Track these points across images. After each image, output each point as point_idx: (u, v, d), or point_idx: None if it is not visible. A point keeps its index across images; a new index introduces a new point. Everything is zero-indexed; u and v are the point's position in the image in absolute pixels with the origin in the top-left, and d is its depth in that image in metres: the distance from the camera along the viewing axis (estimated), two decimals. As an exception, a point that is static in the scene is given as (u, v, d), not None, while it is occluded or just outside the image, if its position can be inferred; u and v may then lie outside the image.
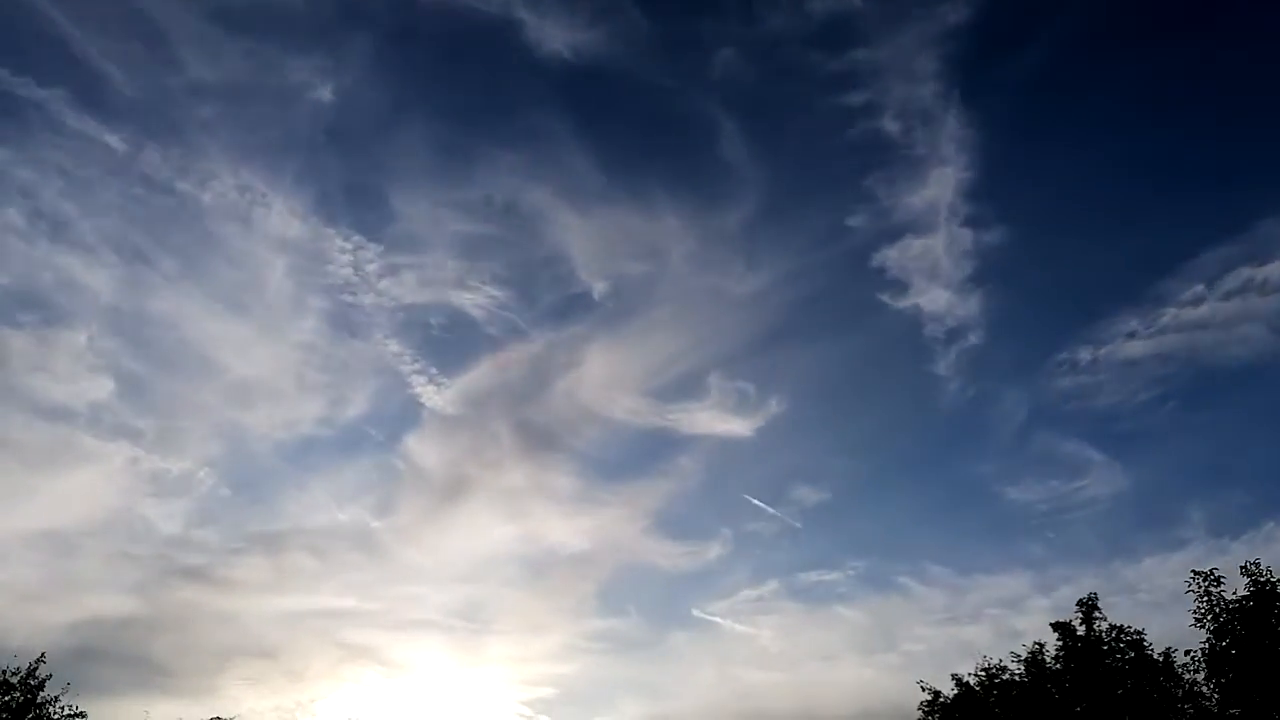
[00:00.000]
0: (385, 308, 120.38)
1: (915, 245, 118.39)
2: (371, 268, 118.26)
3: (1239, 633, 29.18)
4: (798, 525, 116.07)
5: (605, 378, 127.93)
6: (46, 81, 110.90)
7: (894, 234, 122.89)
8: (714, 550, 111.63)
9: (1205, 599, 30.16)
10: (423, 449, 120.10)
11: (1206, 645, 30.23)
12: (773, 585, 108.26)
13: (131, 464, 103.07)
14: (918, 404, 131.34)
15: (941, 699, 40.05)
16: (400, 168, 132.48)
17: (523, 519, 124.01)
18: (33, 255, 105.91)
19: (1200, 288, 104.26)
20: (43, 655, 30.43)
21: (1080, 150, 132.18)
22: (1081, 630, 34.64)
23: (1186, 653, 31.26)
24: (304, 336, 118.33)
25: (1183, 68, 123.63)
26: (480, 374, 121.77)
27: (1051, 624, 35.62)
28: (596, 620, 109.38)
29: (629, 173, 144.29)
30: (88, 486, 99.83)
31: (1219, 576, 30.17)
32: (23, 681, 29.98)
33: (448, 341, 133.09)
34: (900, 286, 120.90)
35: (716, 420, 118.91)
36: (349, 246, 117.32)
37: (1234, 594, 29.71)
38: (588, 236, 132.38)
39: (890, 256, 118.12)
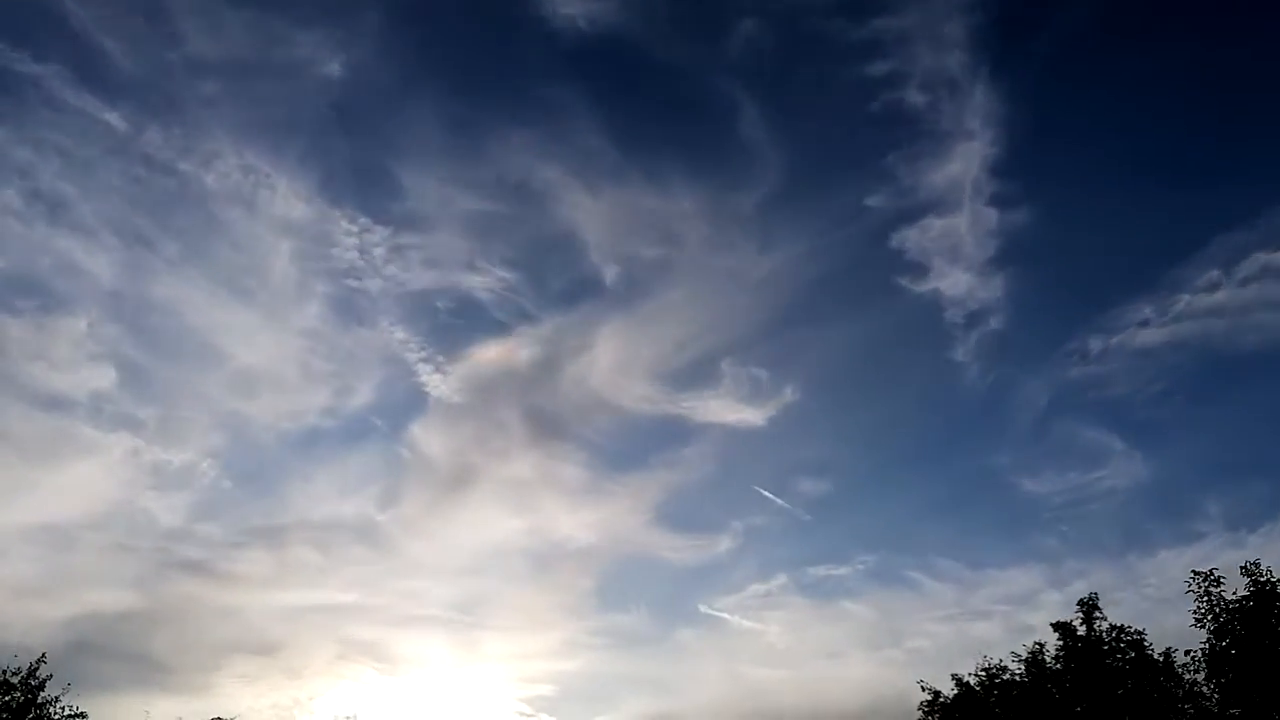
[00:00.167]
0: (392, 293, 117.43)
1: (936, 226, 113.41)
2: (378, 251, 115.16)
3: (1239, 633, 29.16)
4: (807, 518, 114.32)
5: (616, 364, 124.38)
6: (44, 56, 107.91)
7: (914, 214, 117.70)
8: (723, 544, 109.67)
9: (1205, 599, 30.16)
10: (428, 439, 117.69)
11: (1206, 645, 30.23)
12: (781, 580, 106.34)
13: (132, 455, 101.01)
14: (935, 391, 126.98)
15: (941, 699, 40.03)
16: (409, 145, 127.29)
17: (529, 511, 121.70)
18: (31, 238, 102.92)
19: (1216, 273, 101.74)
20: (43, 656, 30.50)
21: (1107, 127, 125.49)
22: (1082, 630, 34.62)
23: (1186, 653, 31.30)
24: (309, 323, 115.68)
25: (1211, 49, 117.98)
26: (488, 360, 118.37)
27: (1052, 624, 35.66)
28: (602, 615, 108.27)
29: (643, 150, 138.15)
30: (88, 479, 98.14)
31: (1219, 577, 30.19)
32: (23, 681, 29.99)
33: (455, 327, 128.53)
34: (919, 269, 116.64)
35: (728, 409, 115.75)
36: (355, 229, 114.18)
37: (1234, 594, 29.72)
38: (600, 217, 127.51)
39: (910, 238, 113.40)
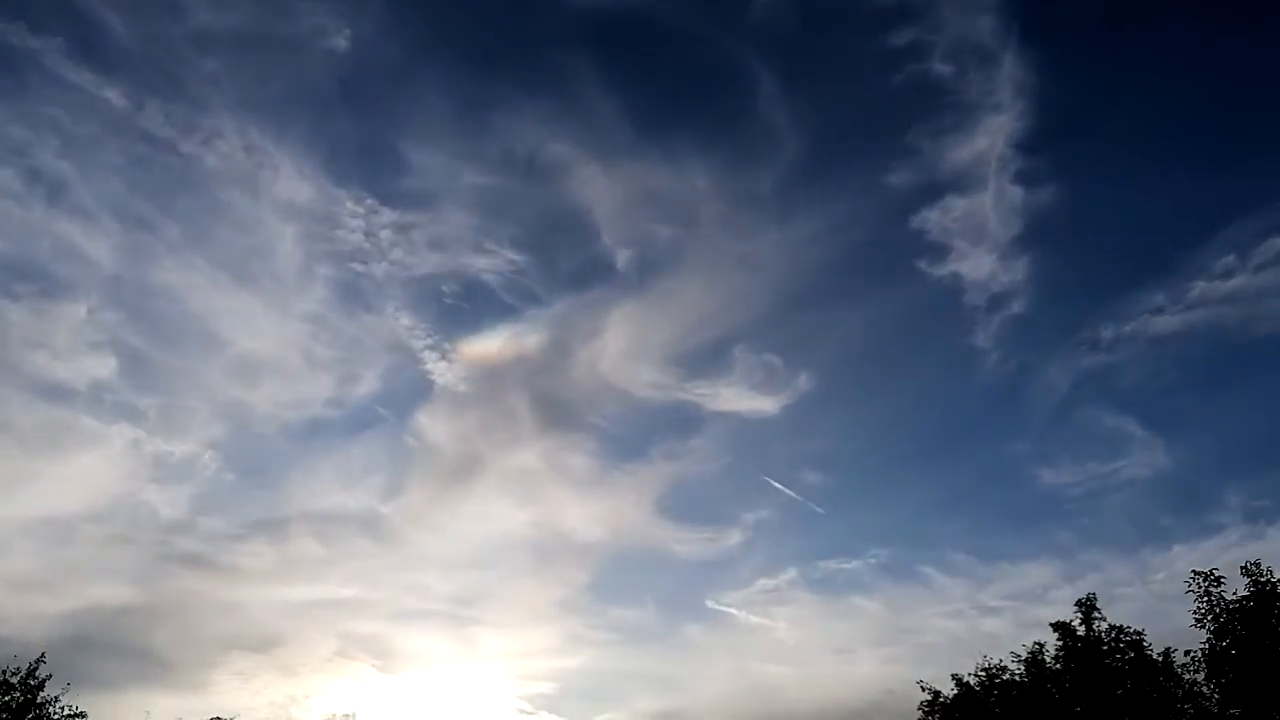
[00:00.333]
0: (398, 278, 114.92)
1: (959, 205, 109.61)
2: (385, 234, 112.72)
3: (1239, 633, 29.18)
4: (819, 510, 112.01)
5: (626, 349, 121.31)
6: (41, 29, 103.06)
7: (936, 192, 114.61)
8: (732, 537, 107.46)
9: (1205, 599, 30.17)
10: (434, 429, 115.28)
11: (1206, 645, 30.24)
12: (790, 574, 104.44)
13: (133, 447, 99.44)
14: (953, 379, 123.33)
15: (941, 699, 40.06)
16: (416, 121, 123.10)
17: (535, 502, 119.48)
18: (29, 220, 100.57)
19: (1231, 258, 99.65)
20: (42, 655, 30.39)
21: (1137, 100, 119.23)
22: (1081, 630, 34.65)
23: (1186, 653, 31.32)
24: (313, 309, 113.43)
25: (1241, 32, 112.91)
26: (495, 346, 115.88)
27: (1051, 624, 35.70)
28: (607, 610, 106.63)
29: (658, 124, 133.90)
30: (88, 471, 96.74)
31: (1219, 577, 30.22)
32: (23, 681, 29.90)
33: (462, 311, 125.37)
34: (940, 251, 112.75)
35: (741, 397, 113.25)
36: (361, 211, 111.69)
37: (1234, 594, 29.75)
38: (612, 196, 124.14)
39: (930, 218, 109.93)
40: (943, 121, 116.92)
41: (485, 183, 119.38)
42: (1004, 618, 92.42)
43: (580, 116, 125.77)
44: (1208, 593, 30.17)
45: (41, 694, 30.11)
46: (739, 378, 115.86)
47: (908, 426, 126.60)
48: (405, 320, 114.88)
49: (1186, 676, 31.77)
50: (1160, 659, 32.81)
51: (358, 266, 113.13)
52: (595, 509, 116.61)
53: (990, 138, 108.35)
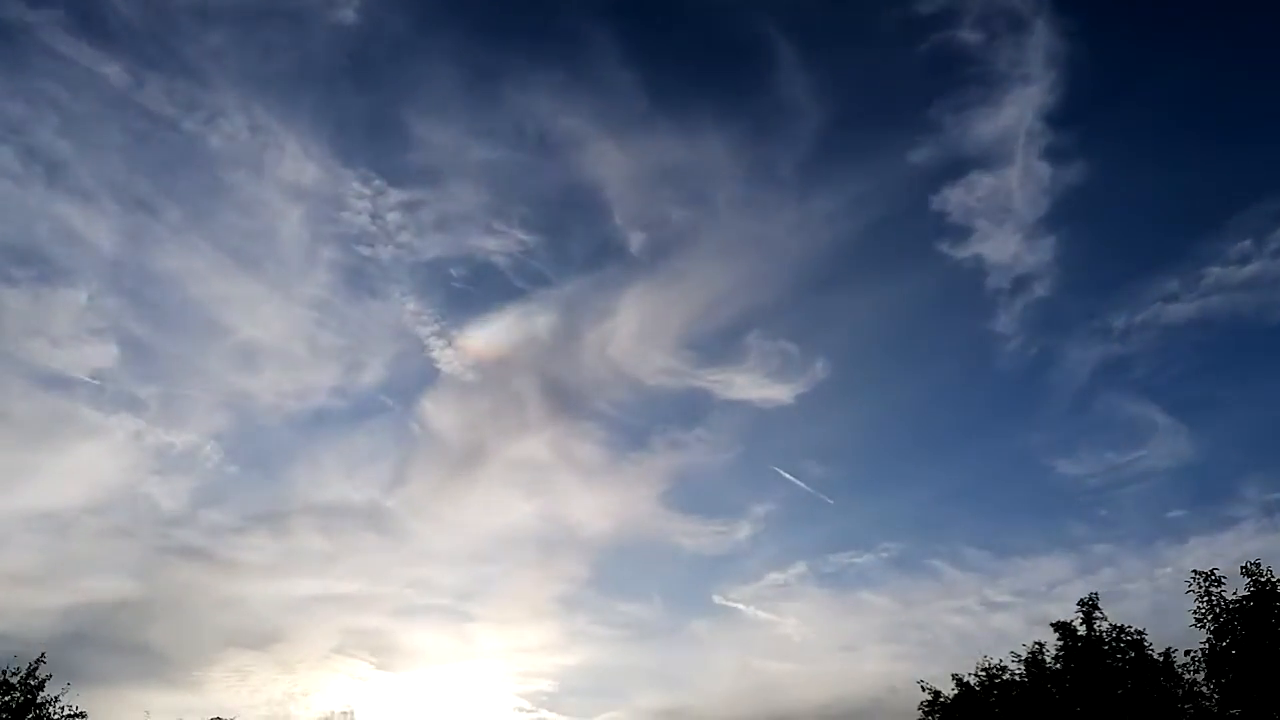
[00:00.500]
0: (405, 262, 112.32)
1: (983, 183, 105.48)
2: (392, 216, 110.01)
3: (1239, 633, 29.15)
4: (830, 502, 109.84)
5: (638, 333, 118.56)
6: (38, 1, 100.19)
7: (960, 169, 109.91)
8: (742, 530, 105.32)
9: (1205, 599, 30.14)
10: (440, 419, 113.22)
11: (1206, 645, 30.21)
12: (800, 568, 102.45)
13: (134, 438, 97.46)
14: (972, 365, 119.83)
15: (942, 699, 40.04)
16: (425, 94, 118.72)
17: (541, 493, 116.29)
18: (28, 202, 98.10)
19: (1248, 243, 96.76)
20: (43, 656, 30.47)
21: (1170, 73, 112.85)
22: (1082, 630, 34.61)
23: (1186, 653, 31.27)
24: (318, 295, 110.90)
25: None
26: (503, 331, 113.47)
27: (1052, 624, 35.64)
28: (614, 606, 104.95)
29: (674, 97, 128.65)
30: (89, 464, 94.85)
31: (1219, 577, 30.17)
32: (23, 682, 29.95)
33: (470, 295, 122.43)
34: (961, 232, 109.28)
35: (755, 385, 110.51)
36: (368, 191, 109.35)
37: (1234, 594, 29.71)
38: (626, 172, 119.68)
39: (953, 197, 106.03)
40: (968, 94, 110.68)
41: (495, 159, 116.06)
42: (1015, 613, 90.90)
43: (594, 89, 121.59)
44: (1208, 593, 30.15)
45: (41, 694, 30.16)
46: (753, 365, 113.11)
47: (924, 415, 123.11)
48: (411, 306, 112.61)
49: (1186, 676, 31.74)
50: (1161, 659, 32.80)
51: (364, 250, 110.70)
52: (602, 500, 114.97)
53: (1018, 110, 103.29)
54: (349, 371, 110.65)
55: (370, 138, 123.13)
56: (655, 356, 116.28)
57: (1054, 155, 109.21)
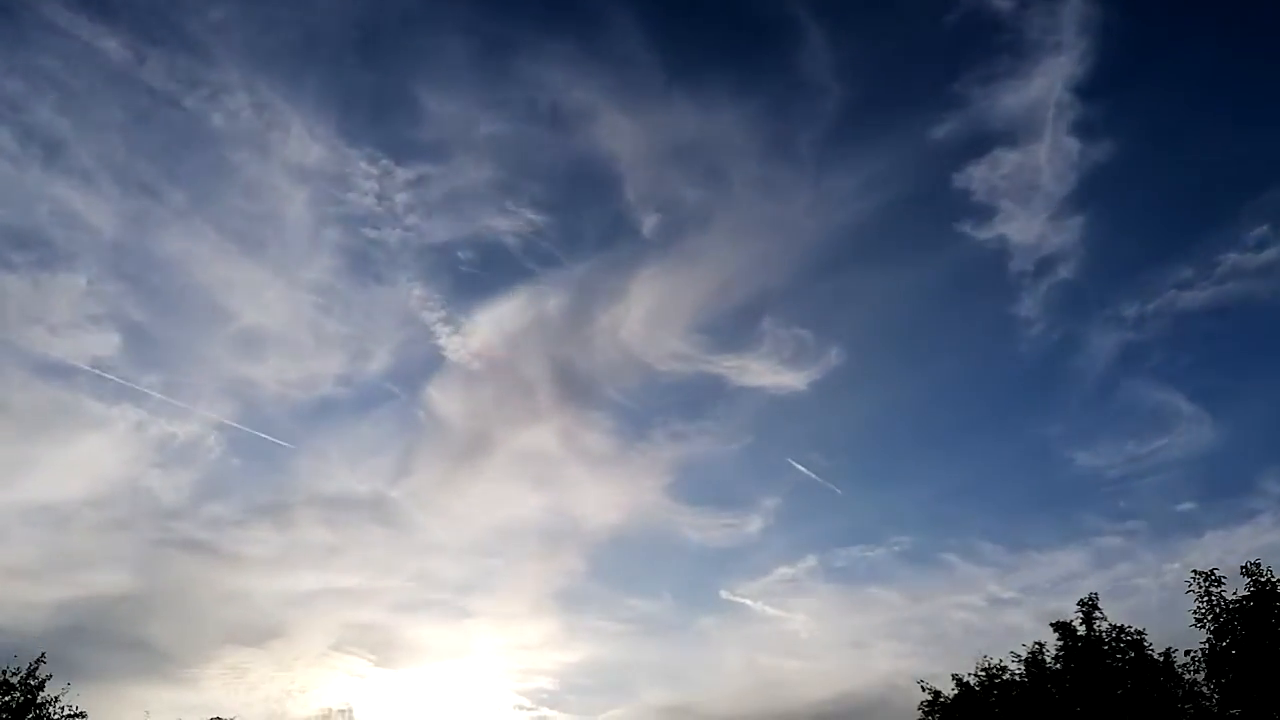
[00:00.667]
0: (412, 245, 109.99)
1: (1009, 160, 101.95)
2: (400, 198, 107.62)
3: (1239, 633, 29.16)
4: (841, 494, 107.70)
5: (650, 316, 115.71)
6: None
7: (983, 146, 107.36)
8: (752, 523, 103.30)
9: (1205, 599, 30.15)
10: (446, 409, 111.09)
11: (1206, 645, 30.22)
12: (810, 562, 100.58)
13: (136, 429, 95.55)
14: (992, 352, 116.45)
15: (941, 699, 40.06)
16: (434, 66, 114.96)
17: (548, 485, 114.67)
18: (26, 183, 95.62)
19: (1264, 228, 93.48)
20: (43, 656, 30.38)
21: (1204, 44, 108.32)
22: (1082, 630, 34.62)
23: (1186, 653, 31.30)
24: (323, 279, 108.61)
25: None
26: (512, 314, 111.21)
27: (1051, 624, 35.66)
28: (620, 601, 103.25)
29: (691, 69, 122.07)
30: (90, 456, 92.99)
31: (1219, 577, 30.19)
32: (23, 682, 29.92)
33: (478, 279, 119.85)
34: (984, 212, 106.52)
35: (769, 372, 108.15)
36: (374, 171, 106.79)
37: (1234, 594, 29.72)
38: (639, 149, 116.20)
39: (976, 175, 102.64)
40: (996, 65, 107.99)
41: (506, 132, 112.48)
42: (1027, 609, 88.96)
43: (608, 61, 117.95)
44: (1208, 593, 30.16)
45: (41, 694, 30.12)
46: (768, 351, 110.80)
47: (941, 404, 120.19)
48: (418, 291, 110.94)
49: (1186, 676, 31.76)
50: (1161, 659, 32.80)
51: (370, 232, 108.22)
52: (609, 492, 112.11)
53: (1048, 81, 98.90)
54: (354, 360, 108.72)
55: (377, 113, 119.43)
56: (667, 340, 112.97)
57: (1083, 130, 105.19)
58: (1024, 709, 36.05)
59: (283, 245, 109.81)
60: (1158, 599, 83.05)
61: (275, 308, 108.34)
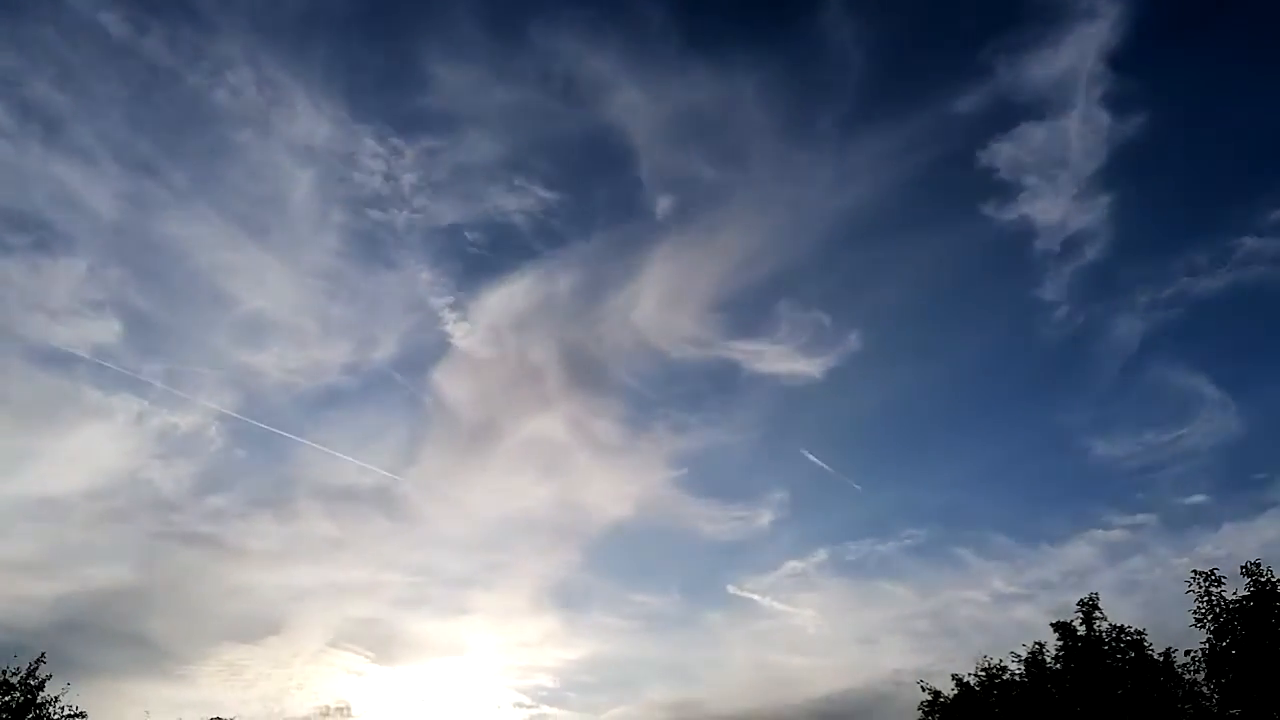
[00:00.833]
0: (419, 228, 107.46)
1: (1036, 134, 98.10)
2: (407, 178, 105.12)
3: (1239, 633, 29.16)
4: (856, 486, 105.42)
5: (663, 299, 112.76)
6: None
7: (1009, 119, 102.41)
8: (763, 515, 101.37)
9: (1205, 599, 30.14)
10: (453, 398, 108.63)
11: (1206, 645, 30.22)
12: (820, 556, 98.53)
13: (137, 420, 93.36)
14: (1013, 337, 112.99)
15: (941, 699, 40.06)
16: (444, 35, 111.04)
17: (556, 475, 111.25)
18: (23, 163, 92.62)
19: None
20: (43, 656, 30.39)
21: (1246, 9, 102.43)
22: (1082, 630, 34.62)
23: (1187, 653, 31.31)
24: (329, 264, 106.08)
25: None
26: (521, 296, 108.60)
27: (1051, 624, 35.69)
28: (627, 595, 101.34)
29: (710, 42, 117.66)
30: (90, 447, 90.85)
31: (1219, 577, 30.19)
32: (23, 682, 29.92)
33: (487, 260, 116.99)
34: (1009, 189, 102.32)
35: (784, 357, 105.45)
36: (382, 150, 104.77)
37: (1234, 594, 29.72)
38: (655, 123, 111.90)
39: (1002, 152, 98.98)
40: (1026, 33, 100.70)
41: (518, 102, 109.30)
42: (1039, 604, 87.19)
43: (626, 29, 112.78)
44: (1208, 593, 30.16)
45: (41, 694, 30.11)
46: (784, 335, 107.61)
47: (958, 392, 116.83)
48: (426, 275, 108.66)
49: (1187, 676, 31.76)
50: (1161, 659, 32.81)
51: (376, 214, 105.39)
52: (618, 482, 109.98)
53: (1079, 50, 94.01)
54: (360, 347, 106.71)
55: (385, 86, 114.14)
56: (681, 324, 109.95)
57: (1114, 103, 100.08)
58: (1024, 709, 36.05)
59: (287, 228, 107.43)
60: (1172, 594, 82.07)
61: (279, 293, 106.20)
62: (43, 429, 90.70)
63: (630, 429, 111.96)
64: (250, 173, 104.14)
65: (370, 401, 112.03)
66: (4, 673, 29.88)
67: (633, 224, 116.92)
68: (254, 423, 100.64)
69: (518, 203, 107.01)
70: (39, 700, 30.03)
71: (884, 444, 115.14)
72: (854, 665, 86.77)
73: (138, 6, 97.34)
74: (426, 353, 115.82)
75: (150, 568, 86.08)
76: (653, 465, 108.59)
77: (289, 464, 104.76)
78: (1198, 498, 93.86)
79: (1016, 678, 37.51)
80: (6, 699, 29.58)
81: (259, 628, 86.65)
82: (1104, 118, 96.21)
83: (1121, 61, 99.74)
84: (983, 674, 39.00)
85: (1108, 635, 34.09)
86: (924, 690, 40.67)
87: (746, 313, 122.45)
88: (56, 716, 30.19)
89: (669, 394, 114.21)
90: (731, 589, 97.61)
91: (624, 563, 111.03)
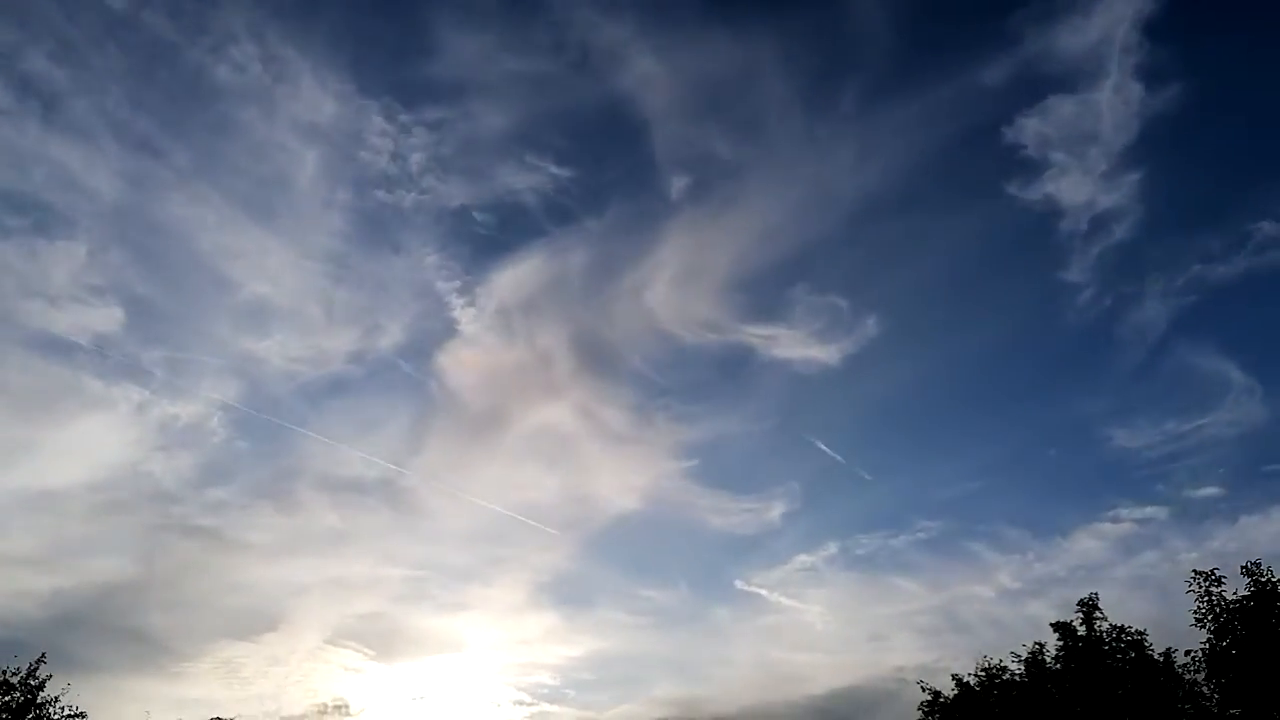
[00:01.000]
0: (427, 209, 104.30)
1: (1065, 108, 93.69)
2: (415, 158, 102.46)
3: (1239, 633, 29.15)
4: (869, 478, 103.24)
5: (676, 280, 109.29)
6: None
7: (1037, 92, 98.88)
8: (774, 507, 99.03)
9: (1205, 599, 30.14)
10: (460, 386, 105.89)
11: (1206, 645, 30.22)
12: (830, 550, 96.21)
13: (138, 411, 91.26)
14: (1036, 321, 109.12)
15: (942, 699, 40.05)
16: (453, 4, 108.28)
17: (564, 465, 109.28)
18: (21, 142, 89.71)
19: None
20: (43, 656, 30.42)
21: None
22: (1082, 630, 34.61)
23: (1187, 653, 31.32)
24: (333, 246, 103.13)
25: None
26: (531, 273, 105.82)
27: (1052, 624, 35.68)
28: (635, 590, 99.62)
29: (730, 7, 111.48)
30: (90, 439, 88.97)
31: (1220, 577, 30.18)
32: (23, 682, 29.93)
33: (495, 241, 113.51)
34: (1035, 167, 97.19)
35: (799, 343, 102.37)
36: (390, 127, 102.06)
37: (1234, 594, 29.71)
38: (671, 98, 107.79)
39: (1028, 127, 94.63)
40: (1056, 0, 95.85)
41: (530, 73, 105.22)
42: (1052, 599, 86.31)
43: None
44: (1208, 593, 30.16)
45: (41, 694, 30.12)
46: (800, 320, 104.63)
47: (977, 379, 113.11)
48: (433, 259, 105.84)
49: (1187, 676, 31.76)
50: (1161, 659, 32.80)
51: (383, 195, 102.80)
52: (626, 473, 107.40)
53: (1113, 18, 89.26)
54: (366, 335, 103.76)
55: (392, 58, 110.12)
56: (695, 307, 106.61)
57: (1148, 74, 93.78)
58: (1024, 709, 36.04)
59: (291, 210, 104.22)
60: (1185, 588, 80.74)
61: (283, 278, 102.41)
62: (41, 419, 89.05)
63: (639, 417, 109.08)
64: (254, 152, 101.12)
65: (375, 390, 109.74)
66: (4, 673, 29.91)
67: (646, 201, 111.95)
68: (256, 414, 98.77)
69: (528, 180, 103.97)
70: (39, 700, 30.04)
71: (899, 434, 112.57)
72: (861, 662, 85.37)
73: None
74: (433, 339, 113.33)
75: (150, 561, 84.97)
76: (662, 455, 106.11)
77: (292, 455, 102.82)
78: (1212, 490, 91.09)
79: (1016, 678, 37.51)
80: (7, 699, 29.59)
81: (258, 624, 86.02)
82: (1137, 90, 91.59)
83: (1157, 30, 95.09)
84: (982, 674, 39.01)
85: (1108, 635, 34.09)
86: (924, 690, 40.72)
87: (762, 296, 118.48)
88: (56, 717, 30.21)
89: (680, 380, 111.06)
90: (739, 584, 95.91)
91: (630, 556, 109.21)
